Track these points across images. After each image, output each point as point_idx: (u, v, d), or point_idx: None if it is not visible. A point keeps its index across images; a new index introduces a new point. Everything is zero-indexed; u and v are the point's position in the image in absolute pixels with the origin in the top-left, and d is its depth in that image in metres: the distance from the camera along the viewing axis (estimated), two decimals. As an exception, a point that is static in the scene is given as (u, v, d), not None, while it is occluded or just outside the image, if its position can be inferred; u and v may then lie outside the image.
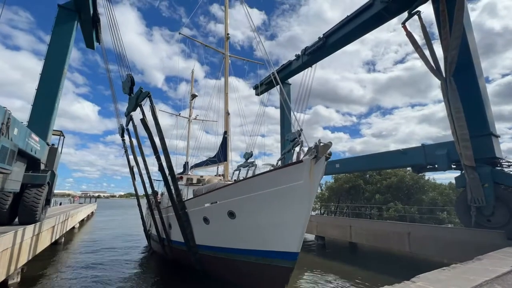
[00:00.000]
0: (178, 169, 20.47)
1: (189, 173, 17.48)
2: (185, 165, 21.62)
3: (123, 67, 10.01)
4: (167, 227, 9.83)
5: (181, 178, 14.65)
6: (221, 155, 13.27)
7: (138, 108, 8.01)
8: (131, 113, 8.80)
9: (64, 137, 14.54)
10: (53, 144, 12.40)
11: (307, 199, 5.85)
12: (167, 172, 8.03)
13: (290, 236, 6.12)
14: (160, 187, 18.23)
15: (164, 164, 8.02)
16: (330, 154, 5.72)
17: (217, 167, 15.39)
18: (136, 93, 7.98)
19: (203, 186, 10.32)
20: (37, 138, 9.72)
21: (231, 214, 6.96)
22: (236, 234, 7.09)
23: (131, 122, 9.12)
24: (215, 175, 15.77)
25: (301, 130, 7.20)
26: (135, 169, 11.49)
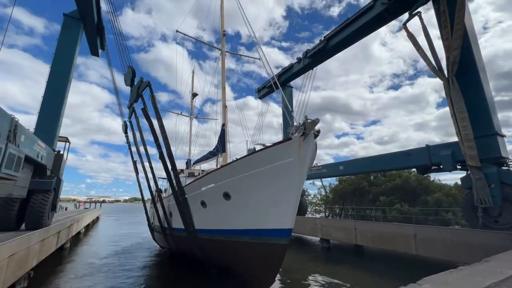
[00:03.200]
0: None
1: (191, 168, 17.78)
2: (187, 162, 21.89)
3: (125, 60, 10.23)
4: (168, 216, 10.15)
5: (182, 171, 14.87)
6: (220, 147, 13.58)
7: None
8: (133, 105, 8.99)
9: (69, 143, 14.75)
10: (58, 151, 12.58)
11: (297, 175, 5.93)
12: (168, 161, 8.15)
13: (282, 213, 6.20)
14: (163, 186, 18.49)
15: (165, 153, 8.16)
16: (318, 131, 5.83)
17: (217, 160, 15.60)
18: (137, 83, 8.20)
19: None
20: (43, 145, 9.87)
21: (226, 195, 7.06)
22: (232, 214, 7.18)
23: (133, 114, 9.59)
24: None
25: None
26: (141, 171, 11.84)
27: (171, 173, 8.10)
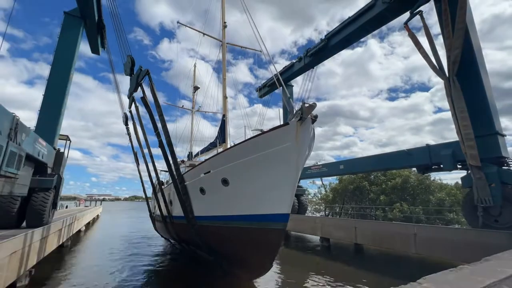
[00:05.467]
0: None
1: (192, 160, 17.97)
2: (189, 155, 22.02)
3: (125, 51, 10.15)
4: (168, 204, 10.39)
5: (183, 162, 15.10)
6: (220, 138, 13.65)
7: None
8: (133, 94, 9.01)
9: (70, 142, 14.76)
10: (59, 149, 12.58)
11: (294, 160, 5.90)
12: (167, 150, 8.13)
13: (279, 198, 6.20)
14: (165, 178, 18.57)
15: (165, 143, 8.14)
16: (316, 116, 5.78)
17: (217, 151, 15.74)
18: (136, 72, 8.13)
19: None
20: (44, 143, 9.88)
21: (225, 182, 7.05)
22: (230, 201, 7.18)
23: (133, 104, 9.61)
24: None
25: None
26: (142, 165, 11.91)
27: (171, 161, 8.09)
